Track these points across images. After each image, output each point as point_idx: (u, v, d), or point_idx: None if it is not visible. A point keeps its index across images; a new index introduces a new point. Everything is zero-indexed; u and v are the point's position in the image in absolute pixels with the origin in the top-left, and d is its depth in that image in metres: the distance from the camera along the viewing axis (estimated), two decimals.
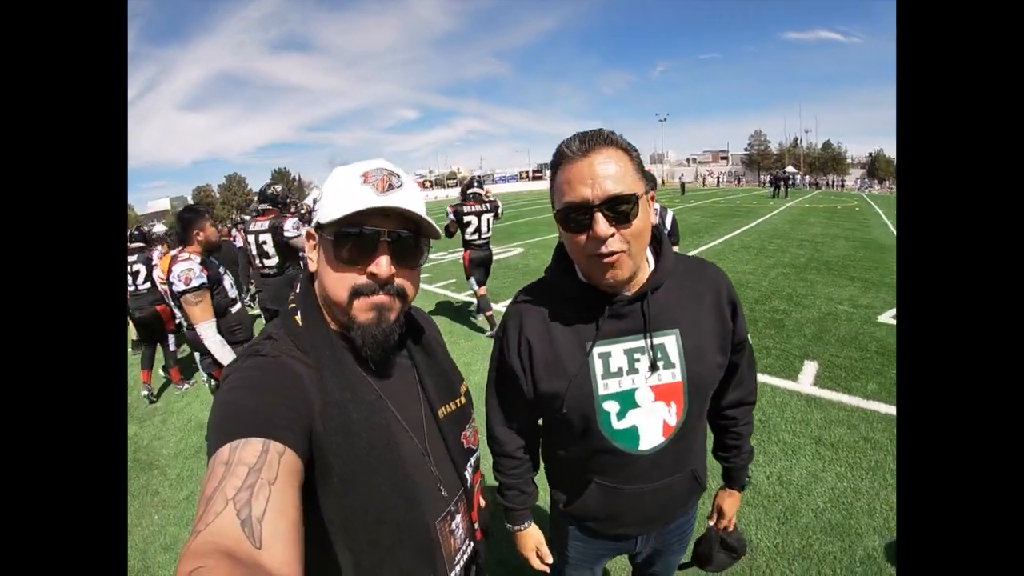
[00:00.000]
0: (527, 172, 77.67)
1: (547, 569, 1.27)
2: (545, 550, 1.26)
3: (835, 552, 2.17)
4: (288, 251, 4.09)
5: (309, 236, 0.83)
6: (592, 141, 0.88)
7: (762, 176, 58.83)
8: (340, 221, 0.75)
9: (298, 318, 0.80)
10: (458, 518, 0.88)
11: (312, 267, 0.83)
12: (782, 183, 30.34)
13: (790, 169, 44.90)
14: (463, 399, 0.94)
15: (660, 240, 1.03)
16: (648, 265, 1.01)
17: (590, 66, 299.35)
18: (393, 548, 0.73)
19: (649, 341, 0.98)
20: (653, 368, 0.99)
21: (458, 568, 0.89)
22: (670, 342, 0.99)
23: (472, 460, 0.94)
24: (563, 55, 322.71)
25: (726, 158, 74.89)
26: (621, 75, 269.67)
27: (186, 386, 4.98)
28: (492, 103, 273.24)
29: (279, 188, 4.41)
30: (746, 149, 68.42)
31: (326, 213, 0.77)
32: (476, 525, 0.93)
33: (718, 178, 62.26)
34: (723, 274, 1.08)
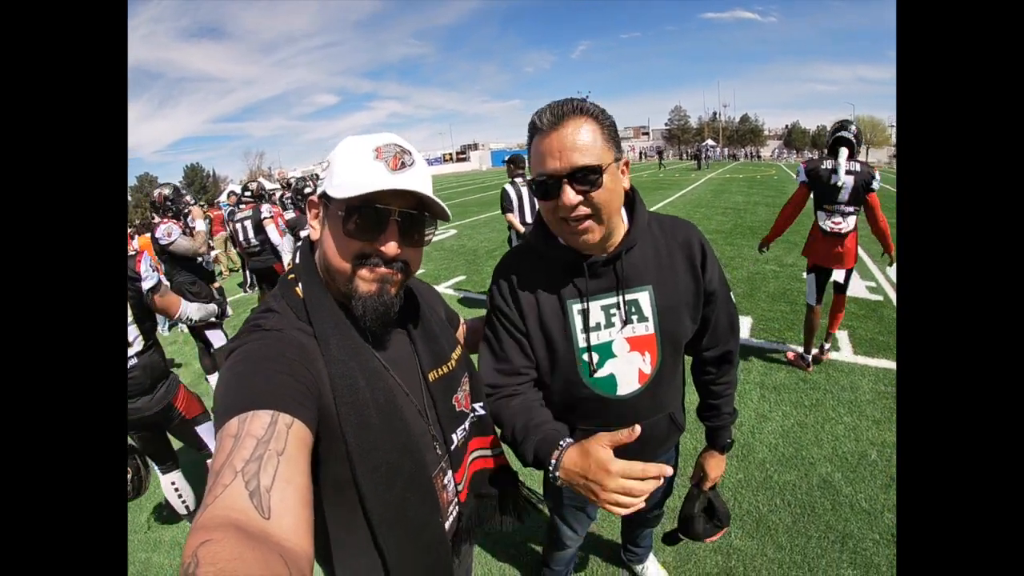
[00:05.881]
0: (451, 154, 76.36)
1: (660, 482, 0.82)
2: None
3: (793, 480, 2.38)
4: (174, 259, 3.68)
5: (312, 205, 0.83)
6: (561, 113, 0.91)
7: (682, 149, 61.63)
8: (352, 200, 0.74)
9: (299, 289, 0.80)
10: (449, 473, 0.93)
11: (315, 235, 0.83)
12: (702, 155, 32.48)
13: (709, 142, 47.40)
14: (453, 363, 0.96)
15: (634, 201, 1.07)
16: (623, 225, 1.05)
17: (512, 46, 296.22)
18: (404, 504, 0.77)
19: (622, 298, 1.05)
20: (627, 322, 1.06)
21: (450, 520, 0.94)
22: (643, 297, 1.06)
23: (466, 423, 0.97)
24: (485, 35, 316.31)
25: (647, 133, 77.79)
26: (543, 55, 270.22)
27: None
28: (414, 85, 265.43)
29: (162, 192, 3.79)
30: (667, 124, 71.28)
31: (336, 186, 0.76)
32: (460, 486, 0.96)
33: (640, 153, 64.42)
34: (695, 230, 1.12)
